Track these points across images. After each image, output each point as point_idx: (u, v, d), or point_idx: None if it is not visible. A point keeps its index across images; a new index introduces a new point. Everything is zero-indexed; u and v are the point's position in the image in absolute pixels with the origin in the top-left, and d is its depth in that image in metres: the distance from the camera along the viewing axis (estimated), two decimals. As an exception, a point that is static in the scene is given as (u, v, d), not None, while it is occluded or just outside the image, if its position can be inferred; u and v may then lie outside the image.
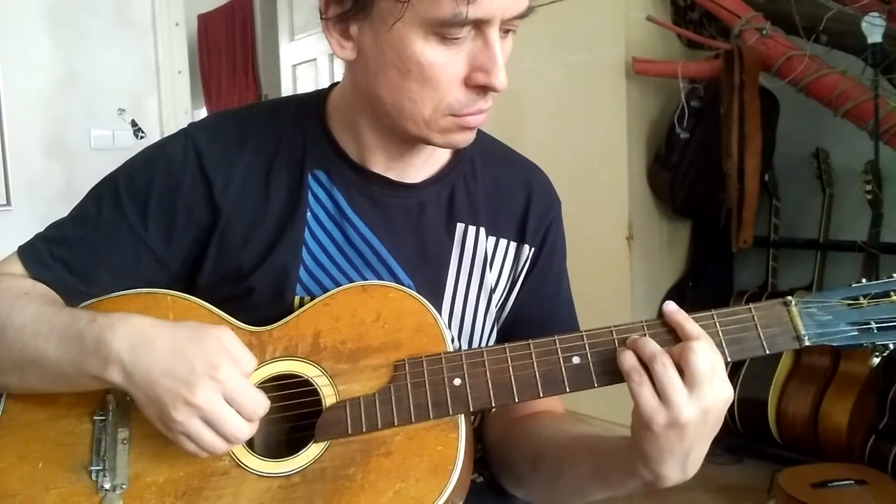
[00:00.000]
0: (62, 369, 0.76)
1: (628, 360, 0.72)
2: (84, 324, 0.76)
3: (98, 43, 2.82)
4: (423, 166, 0.89)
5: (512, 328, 0.94)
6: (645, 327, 0.75)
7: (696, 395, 0.68)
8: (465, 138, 0.81)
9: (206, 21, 5.27)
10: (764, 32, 2.61)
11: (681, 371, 0.69)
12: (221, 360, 0.72)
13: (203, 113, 5.25)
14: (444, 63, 0.74)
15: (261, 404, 0.74)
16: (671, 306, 0.75)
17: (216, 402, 0.71)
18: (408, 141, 0.84)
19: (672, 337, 0.74)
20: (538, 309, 0.94)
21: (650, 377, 0.70)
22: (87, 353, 0.74)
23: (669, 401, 0.68)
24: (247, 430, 0.73)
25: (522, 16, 0.75)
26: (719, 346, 0.74)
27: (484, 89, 0.76)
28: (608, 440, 0.79)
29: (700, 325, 0.75)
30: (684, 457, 0.71)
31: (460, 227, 0.90)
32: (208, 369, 0.71)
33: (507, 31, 0.77)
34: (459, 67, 0.75)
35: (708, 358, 0.69)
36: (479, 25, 0.73)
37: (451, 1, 0.69)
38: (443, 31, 0.72)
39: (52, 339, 0.76)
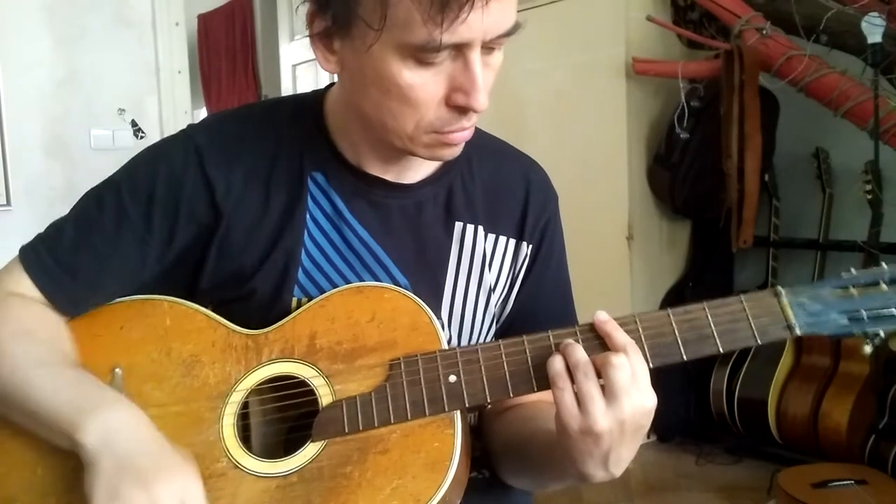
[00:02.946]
0: (37, 412, 0.77)
1: (556, 365, 0.73)
2: (89, 385, 0.78)
3: (98, 43, 2.82)
4: (419, 167, 0.89)
5: (511, 325, 0.94)
6: (578, 332, 0.76)
7: (613, 407, 0.70)
8: (451, 153, 0.81)
9: (206, 21, 5.28)
10: (764, 32, 2.61)
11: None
12: (198, 480, 0.74)
13: (203, 113, 5.25)
14: (423, 84, 0.73)
15: None
16: (602, 316, 0.76)
17: (171, 501, 0.70)
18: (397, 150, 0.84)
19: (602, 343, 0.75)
20: (537, 307, 0.94)
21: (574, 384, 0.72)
22: (74, 407, 0.75)
23: (586, 410, 0.70)
24: None
25: (507, 34, 0.73)
26: (711, 336, 0.75)
27: (465, 109, 0.75)
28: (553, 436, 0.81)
29: (691, 317, 0.76)
30: (603, 459, 0.73)
31: (458, 225, 0.90)
32: (184, 475, 0.73)
33: (492, 49, 0.75)
34: (439, 88, 0.74)
35: (627, 371, 0.71)
36: (459, 47, 0.71)
37: (423, 28, 0.68)
38: (419, 55, 0.71)
39: (48, 386, 0.77)
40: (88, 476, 0.72)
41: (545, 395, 0.95)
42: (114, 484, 0.70)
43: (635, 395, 0.71)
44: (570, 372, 0.73)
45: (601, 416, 0.70)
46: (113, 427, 0.73)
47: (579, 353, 0.73)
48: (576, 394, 0.72)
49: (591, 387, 0.71)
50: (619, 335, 0.74)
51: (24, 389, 0.77)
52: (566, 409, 0.71)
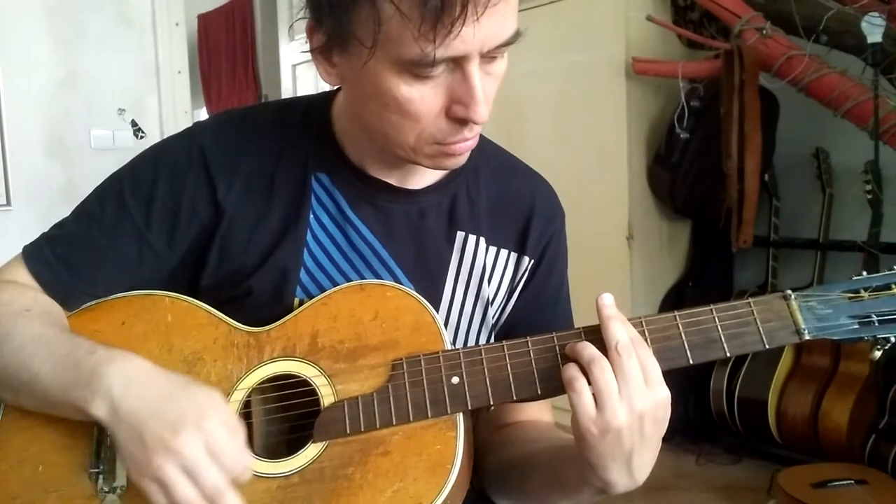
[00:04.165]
0: (48, 395, 0.76)
1: (570, 370, 0.72)
2: (83, 353, 0.76)
3: (98, 43, 2.82)
4: (424, 172, 0.88)
5: (506, 336, 0.93)
6: (583, 334, 0.75)
7: (628, 399, 0.69)
8: (455, 162, 0.80)
9: (206, 21, 5.28)
10: (764, 32, 2.62)
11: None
12: (211, 413, 0.72)
13: (203, 113, 5.25)
14: (421, 97, 0.72)
15: (243, 462, 0.72)
16: (606, 300, 0.74)
17: (197, 450, 0.69)
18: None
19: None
20: (533, 321, 0.93)
21: (590, 382, 0.71)
22: (78, 383, 0.74)
23: (603, 406, 0.69)
24: (223, 487, 0.70)
25: (507, 43, 0.72)
26: (718, 340, 0.74)
27: (465, 120, 0.74)
28: (565, 451, 0.79)
29: (698, 320, 0.75)
30: (627, 462, 0.71)
31: (460, 235, 0.89)
32: (196, 419, 0.71)
33: (493, 58, 0.73)
34: (438, 100, 0.73)
35: (635, 361, 0.70)
36: (456, 60, 0.70)
37: (416, 44, 0.67)
38: (415, 70, 0.70)
39: (48, 363, 0.76)
40: (117, 446, 0.73)
41: (543, 415, 0.94)
42: (138, 456, 0.70)
43: (649, 386, 0.70)
44: (585, 370, 0.71)
45: (619, 410, 0.69)
46: (116, 395, 0.72)
47: (591, 348, 0.72)
48: (593, 394, 0.70)
49: (608, 381, 0.70)
50: (626, 326, 0.73)
51: (30, 370, 0.77)
52: (584, 411, 0.70)
